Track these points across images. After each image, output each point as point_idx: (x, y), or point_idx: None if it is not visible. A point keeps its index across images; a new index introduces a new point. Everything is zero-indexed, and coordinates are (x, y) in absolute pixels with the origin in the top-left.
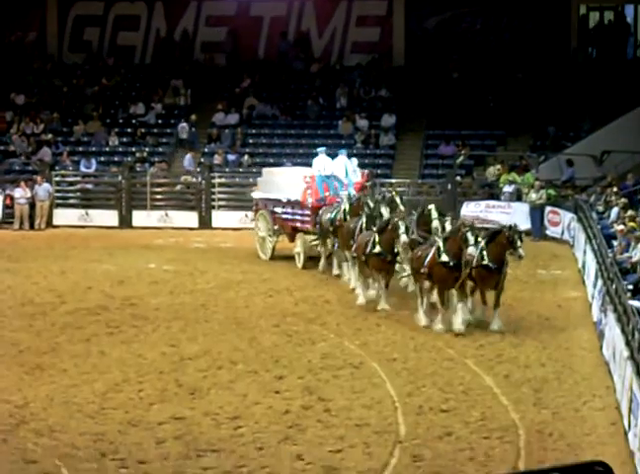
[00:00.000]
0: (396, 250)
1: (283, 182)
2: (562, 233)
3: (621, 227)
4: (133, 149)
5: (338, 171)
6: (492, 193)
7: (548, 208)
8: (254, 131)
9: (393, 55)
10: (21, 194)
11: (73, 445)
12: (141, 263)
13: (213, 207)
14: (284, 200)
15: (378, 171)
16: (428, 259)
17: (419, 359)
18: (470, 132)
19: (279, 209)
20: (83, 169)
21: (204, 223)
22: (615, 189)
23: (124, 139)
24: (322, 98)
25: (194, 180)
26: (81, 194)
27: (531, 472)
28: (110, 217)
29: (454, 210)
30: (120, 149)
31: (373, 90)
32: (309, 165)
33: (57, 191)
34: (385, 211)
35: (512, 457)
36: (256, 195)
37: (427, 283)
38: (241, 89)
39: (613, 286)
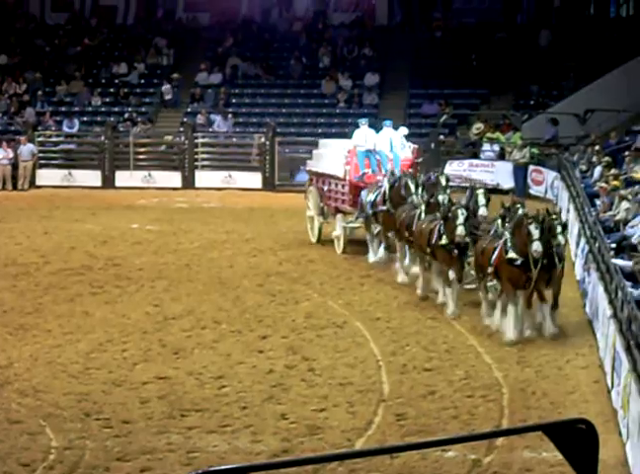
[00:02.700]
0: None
1: (330, 155)
2: (545, 192)
3: (604, 186)
4: (116, 109)
5: (382, 144)
6: (475, 152)
7: (532, 167)
8: (237, 91)
9: (376, 14)
10: (3, 154)
11: (57, 405)
12: (124, 223)
13: (196, 167)
14: (328, 175)
15: None
16: (494, 255)
17: (402, 319)
18: (453, 91)
19: (325, 186)
20: (66, 129)
21: (188, 183)
22: (597, 147)
23: (107, 99)
24: (305, 57)
25: (177, 139)
26: (64, 154)
27: (514, 430)
28: (93, 177)
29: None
30: (103, 109)
31: (356, 49)
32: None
33: (40, 151)
34: (443, 197)
35: (495, 415)
36: (308, 167)
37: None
38: (224, 48)
39: (596, 245)
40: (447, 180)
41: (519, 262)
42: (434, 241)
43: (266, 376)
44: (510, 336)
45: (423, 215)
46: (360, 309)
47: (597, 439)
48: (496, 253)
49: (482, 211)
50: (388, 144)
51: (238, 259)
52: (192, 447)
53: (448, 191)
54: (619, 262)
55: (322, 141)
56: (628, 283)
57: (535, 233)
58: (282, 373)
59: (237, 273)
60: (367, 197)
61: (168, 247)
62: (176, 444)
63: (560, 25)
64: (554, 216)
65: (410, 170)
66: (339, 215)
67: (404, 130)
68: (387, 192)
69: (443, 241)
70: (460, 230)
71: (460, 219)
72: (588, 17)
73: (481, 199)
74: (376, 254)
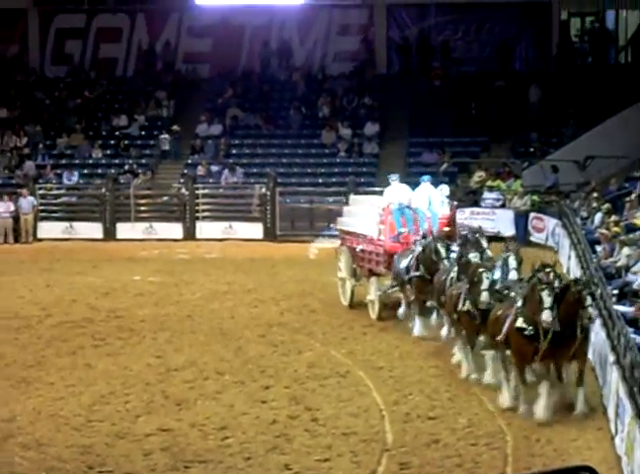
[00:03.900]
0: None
1: (362, 212)
2: (546, 239)
3: (605, 232)
4: (117, 161)
5: (419, 201)
6: (476, 200)
7: (532, 214)
8: (237, 142)
9: (375, 64)
10: (4, 207)
11: (60, 458)
12: (126, 275)
13: (197, 218)
14: (360, 235)
15: (362, 180)
16: (507, 324)
17: (405, 367)
18: (453, 140)
19: (357, 246)
20: (67, 181)
21: (189, 234)
22: (596, 194)
23: (108, 151)
24: (305, 107)
25: (179, 190)
26: (65, 206)
27: None
28: (94, 230)
29: None
30: (104, 161)
31: (356, 98)
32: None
33: (41, 204)
34: (474, 259)
35: (499, 463)
36: (339, 225)
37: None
38: (224, 99)
39: (598, 291)
40: (487, 239)
41: (528, 332)
42: (459, 306)
43: (269, 427)
44: (538, 414)
45: (455, 278)
46: (362, 358)
47: None
48: (508, 321)
49: (513, 275)
50: (426, 201)
51: (240, 310)
52: None
53: (488, 250)
54: (621, 308)
55: (353, 197)
56: (631, 330)
57: (547, 301)
58: (286, 424)
59: (239, 323)
60: (400, 262)
61: (170, 298)
62: None
63: (558, 72)
64: (581, 286)
65: (448, 228)
66: (373, 278)
67: (445, 188)
68: (420, 256)
69: (466, 306)
70: (484, 296)
71: (485, 284)
72: (587, 64)
73: (512, 262)
74: (420, 326)
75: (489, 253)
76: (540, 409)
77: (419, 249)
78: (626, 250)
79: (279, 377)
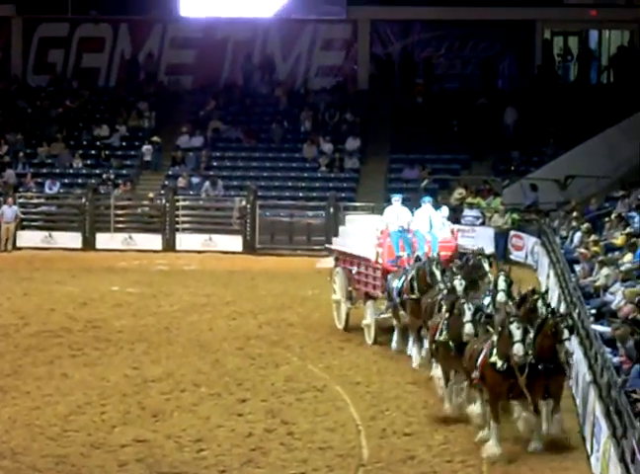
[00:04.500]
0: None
1: (359, 234)
2: (526, 257)
3: (584, 251)
4: (97, 171)
5: (419, 224)
6: (457, 217)
7: (512, 232)
8: (218, 154)
9: (358, 79)
10: None
11: (35, 468)
12: (105, 285)
13: (177, 230)
14: (356, 257)
15: (343, 195)
16: (480, 358)
17: (382, 383)
18: (435, 156)
19: (353, 268)
20: (47, 191)
21: (168, 246)
22: (575, 213)
23: (89, 161)
24: (286, 121)
25: (157, 202)
26: (44, 215)
27: None
28: (73, 239)
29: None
30: (85, 171)
31: (338, 113)
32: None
33: (22, 212)
34: (459, 286)
35: None
36: (333, 246)
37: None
38: (205, 112)
39: (576, 311)
40: (490, 263)
41: (502, 367)
42: (436, 337)
43: (245, 440)
44: (491, 451)
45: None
46: (339, 373)
47: None
48: (481, 356)
49: (500, 297)
50: (427, 224)
51: (218, 322)
52: None
53: (489, 274)
54: (599, 328)
55: (349, 217)
56: (608, 349)
57: (517, 334)
58: (262, 437)
59: (217, 336)
60: (393, 282)
61: (148, 309)
62: None
63: (540, 90)
64: (559, 317)
65: (451, 253)
66: (369, 302)
67: (445, 210)
68: (415, 278)
69: (443, 337)
70: (468, 328)
71: (467, 316)
72: (568, 83)
73: (501, 284)
74: (418, 355)
75: (490, 276)
76: (492, 445)
77: (413, 271)
78: (605, 270)
79: (255, 390)
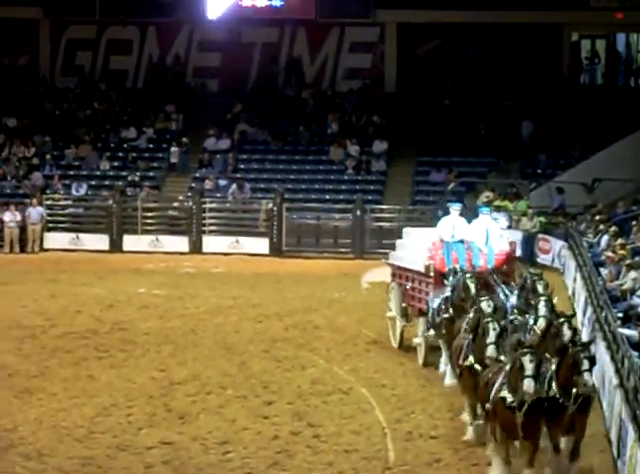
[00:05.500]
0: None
1: (413, 246)
2: (552, 260)
3: (611, 255)
4: (124, 173)
5: (475, 235)
6: None
7: (539, 236)
8: (245, 157)
9: (385, 82)
10: (10, 217)
11: (61, 469)
12: (131, 287)
13: (204, 232)
14: (410, 271)
15: (369, 197)
16: (494, 390)
17: (408, 386)
18: (461, 159)
19: (407, 283)
20: (74, 192)
21: (195, 248)
22: (598, 217)
23: (116, 163)
24: (313, 124)
25: (185, 204)
26: (72, 217)
27: None
28: (100, 241)
29: None
30: (112, 173)
31: (365, 116)
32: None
33: (48, 214)
34: (487, 307)
35: None
36: (390, 259)
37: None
38: (233, 114)
39: (603, 314)
40: (547, 285)
41: (511, 403)
42: (460, 360)
43: (271, 442)
44: None
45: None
46: (365, 376)
47: None
48: (494, 388)
49: (540, 323)
50: (484, 235)
51: (244, 324)
52: None
53: (544, 297)
54: (626, 331)
55: (406, 230)
56: (635, 353)
57: (529, 368)
58: (287, 439)
59: (243, 338)
60: (434, 302)
61: (174, 312)
62: None
63: (568, 93)
64: (580, 347)
65: (505, 267)
66: (421, 319)
67: (504, 221)
68: (450, 295)
69: (468, 361)
70: (491, 350)
71: (491, 336)
72: (596, 86)
73: (542, 309)
74: (451, 375)
75: (542, 304)
76: None
77: (449, 288)
78: (632, 273)
79: (281, 393)
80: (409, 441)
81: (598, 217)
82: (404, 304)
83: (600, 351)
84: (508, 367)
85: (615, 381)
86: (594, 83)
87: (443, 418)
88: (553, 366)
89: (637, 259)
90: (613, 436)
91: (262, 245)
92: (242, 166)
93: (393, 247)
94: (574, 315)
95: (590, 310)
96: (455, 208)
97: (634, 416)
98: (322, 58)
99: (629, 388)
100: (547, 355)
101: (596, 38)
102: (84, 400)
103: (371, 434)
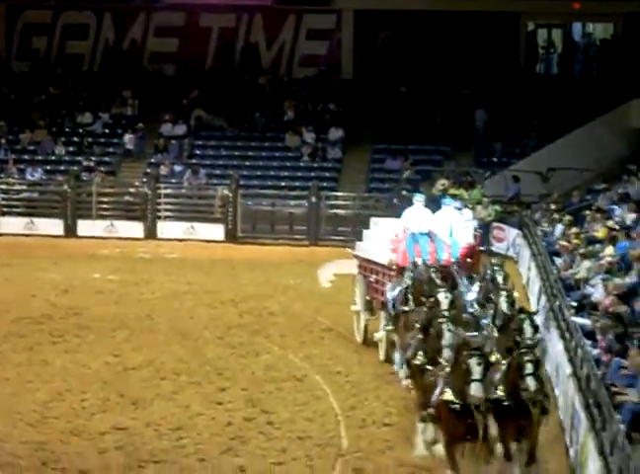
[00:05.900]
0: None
1: (378, 238)
2: (507, 249)
3: (566, 244)
4: (80, 158)
5: (439, 228)
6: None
7: (493, 224)
8: (201, 143)
9: (342, 69)
10: None
11: (14, 454)
12: (86, 272)
13: (159, 218)
14: (374, 263)
15: (325, 184)
16: (437, 392)
17: (362, 373)
18: (417, 147)
19: (371, 275)
20: (29, 177)
21: (150, 234)
22: (553, 206)
23: (71, 148)
24: (270, 110)
25: (141, 190)
26: (26, 202)
27: None
28: (55, 226)
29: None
30: (67, 158)
31: (321, 103)
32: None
33: (3, 199)
34: (444, 299)
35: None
36: (356, 250)
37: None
38: (189, 100)
39: (557, 303)
40: (506, 277)
41: (457, 406)
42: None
43: (224, 429)
44: None
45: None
46: (320, 363)
47: None
48: (437, 390)
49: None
50: (448, 228)
51: (199, 310)
52: None
53: (504, 291)
54: (579, 320)
55: (374, 220)
56: (588, 342)
57: (477, 371)
58: (241, 426)
59: (198, 324)
60: (389, 293)
61: (129, 297)
62: None
63: (524, 82)
64: (524, 349)
65: (469, 259)
66: (382, 313)
67: (468, 213)
68: (410, 287)
69: (417, 360)
70: (447, 354)
71: (446, 338)
72: (552, 75)
73: (502, 303)
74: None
75: (503, 296)
76: None
77: (408, 280)
78: (586, 262)
79: (235, 379)
80: (362, 429)
81: (552, 206)
82: (368, 297)
83: (554, 339)
84: (447, 369)
85: (568, 370)
86: (549, 72)
87: (397, 405)
88: (503, 367)
89: (591, 248)
90: (566, 425)
91: (217, 231)
92: (198, 152)
93: (348, 234)
94: (536, 312)
95: (544, 299)
96: (418, 199)
97: (587, 404)
98: (279, 45)
99: (582, 377)
100: (498, 356)
101: (552, 27)
102: (38, 385)
103: (325, 420)
